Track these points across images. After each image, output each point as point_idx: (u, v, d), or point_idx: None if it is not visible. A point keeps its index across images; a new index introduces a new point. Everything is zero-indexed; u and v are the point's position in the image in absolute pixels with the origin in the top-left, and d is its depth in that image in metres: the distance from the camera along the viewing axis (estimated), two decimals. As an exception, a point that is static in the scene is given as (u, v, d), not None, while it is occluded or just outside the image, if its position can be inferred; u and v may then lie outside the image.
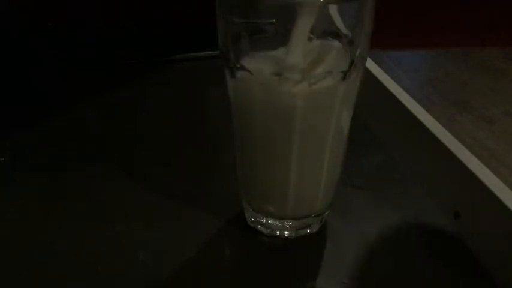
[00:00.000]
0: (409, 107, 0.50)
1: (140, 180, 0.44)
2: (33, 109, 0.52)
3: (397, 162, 0.45)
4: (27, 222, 0.38)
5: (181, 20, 0.64)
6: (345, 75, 0.32)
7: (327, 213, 0.37)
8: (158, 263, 0.35)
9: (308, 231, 0.37)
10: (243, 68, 0.32)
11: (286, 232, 0.37)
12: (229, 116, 0.35)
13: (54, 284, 0.33)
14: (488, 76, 1.79)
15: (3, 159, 0.44)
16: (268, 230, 0.37)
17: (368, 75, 0.57)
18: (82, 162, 0.45)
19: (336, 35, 0.32)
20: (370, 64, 0.58)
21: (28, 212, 0.40)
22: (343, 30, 0.31)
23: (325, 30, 0.32)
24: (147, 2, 0.64)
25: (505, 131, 1.49)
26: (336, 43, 0.32)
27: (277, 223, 0.36)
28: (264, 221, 0.36)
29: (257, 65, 0.32)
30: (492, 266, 0.36)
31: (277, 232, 0.37)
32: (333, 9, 0.31)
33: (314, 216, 0.37)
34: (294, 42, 0.30)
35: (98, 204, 0.40)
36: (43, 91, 0.55)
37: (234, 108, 0.35)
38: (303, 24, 0.30)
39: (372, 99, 0.55)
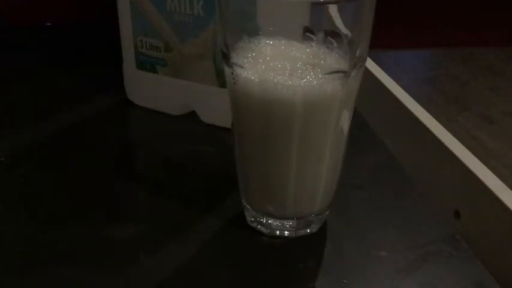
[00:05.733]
0: (409, 107, 0.50)
1: (139, 180, 0.44)
2: (33, 109, 0.52)
3: (397, 162, 0.45)
4: (27, 223, 0.38)
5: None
6: (345, 75, 0.32)
7: (327, 213, 0.37)
8: (158, 263, 0.35)
9: (308, 231, 0.37)
10: (242, 68, 0.32)
11: (286, 232, 0.37)
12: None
13: (54, 284, 0.33)
14: (488, 76, 1.79)
15: (3, 159, 0.44)
16: (268, 230, 0.37)
17: (368, 75, 0.57)
18: (83, 162, 0.45)
19: (336, 35, 0.32)
20: (370, 64, 0.58)
21: (28, 212, 0.40)
22: (343, 30, 0.31)
23: (325, 30, 0.32)
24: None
25: (505, 131, 1.49)
26: (336, 43, 0.32)
27: (277, 223, 0.36)
28: (264, 221, 0.36)
29: (257, 65, 0.32)
30: (492, 266, 0.36)
31: (277, 232, 0.37)
32: (333, 9, 0.31)
33: (314, 216, 0.37)
34: None
35: (98, 204, 0.40)
36: (43, 91, 0.55)
37: (234, 107, 0.35)
38: None
39: (372, 99, 0.55)
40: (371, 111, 0.51)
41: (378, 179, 0.43)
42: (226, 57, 0.33)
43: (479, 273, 0.35)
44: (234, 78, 0.33)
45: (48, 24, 0.70)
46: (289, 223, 0.36)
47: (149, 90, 0.50)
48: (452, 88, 1.71)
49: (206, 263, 0.35)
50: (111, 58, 0.52)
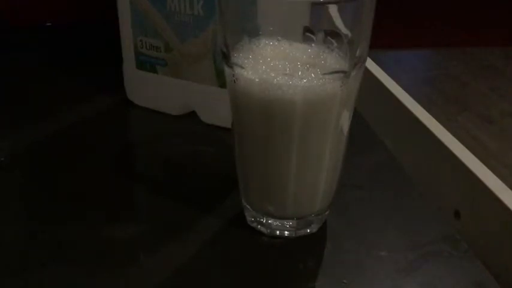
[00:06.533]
0: (409, 107, 0.50)
1: (139, 180, 0.44)
2: (33, 109, 0.52)
3: (397, 162, 0.45)
4: (27, 223, 0.38)
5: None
6: (345, 75, 0.32)
7: (327, 213, 0.37)
8: (158, 263, 0.35)
9: (308, 231, 0.37)
10: (243, 68, 0.32)
11: (286, 232, 0.37)
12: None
13: (54, 284, 0.33)
14: (488, 76, 1.79)
15: (3, 159, 0.44)
16: (268, 230, 0.37)
17: (368, 75, 0.57)
18: (83, 162, 0.45)
19: (336, 35, 0.32)
20: (370, 64, 0.58)
21: (28, 212, 0.40)
22: (343, 30, 0.31)
23: (325, 30, 0.32)
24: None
25: (505, 131, 1.49)
26: (336, 43, 0.32)
27: (277, 223, 0.36)
28: (264, 221, 0.37)
29: (257, 65, 0.32)
30: (492, 266, 0.36)
31: (277, 232, 0.37)
32: (333, 9, 0.31)
33: (314, 216, 0.37)
34: None
35: (98, 204, 0.40)
36: (43, 91, 0.55)
37: (234, 107, 0.35)
38: None
39: (372, 99, 0.55)
40: (371, 111, 0.51)
41: (378, 179, 0.43)
42: (226, 57, 0.33)
43: (479, 273, 0.35)
44: (234, 77, 0.33)
45: (48, 24, 0.70)
46: (289, 223, 0.36)
47: (149, 90, 0.50)
48: (452, 88, 1.71)
49: (206, 263, 0.35)
50: (111, 58, 0.52)
